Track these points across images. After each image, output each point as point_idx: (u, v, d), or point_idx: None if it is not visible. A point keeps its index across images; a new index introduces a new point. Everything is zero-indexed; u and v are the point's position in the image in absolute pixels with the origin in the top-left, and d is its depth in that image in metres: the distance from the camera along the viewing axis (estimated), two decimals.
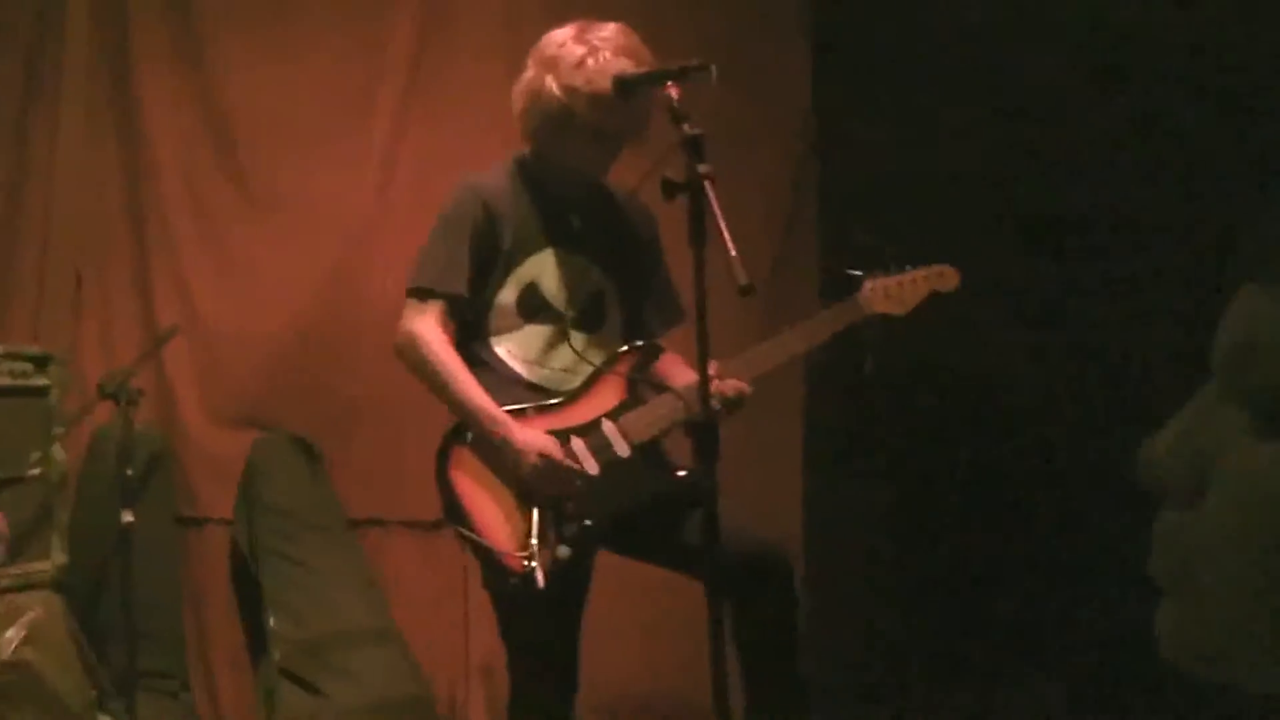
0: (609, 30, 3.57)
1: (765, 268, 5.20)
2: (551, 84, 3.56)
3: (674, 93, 3.09)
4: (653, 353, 3.70)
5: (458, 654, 4.84)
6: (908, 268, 3.76)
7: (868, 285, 3.70)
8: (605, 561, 3.68)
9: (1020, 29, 4.96)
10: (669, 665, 5.02)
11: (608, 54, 3.52)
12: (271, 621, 4.69)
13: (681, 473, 3.59)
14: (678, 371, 3.69)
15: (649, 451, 3.63)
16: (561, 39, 3.60)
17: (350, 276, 5.13)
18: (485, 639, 4.08)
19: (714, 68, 3.06)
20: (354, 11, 5.21)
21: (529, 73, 3.64)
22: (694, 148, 2.94)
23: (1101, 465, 4.82)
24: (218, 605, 4.96)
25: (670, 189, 2.96)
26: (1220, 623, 1.00)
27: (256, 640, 4.79)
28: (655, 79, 3.20)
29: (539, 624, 3.55)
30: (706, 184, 2.90)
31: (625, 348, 3.68)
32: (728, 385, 3.51)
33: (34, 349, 4.48)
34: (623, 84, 3.33)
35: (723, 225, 2.84)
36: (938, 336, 4.51)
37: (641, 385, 3.65)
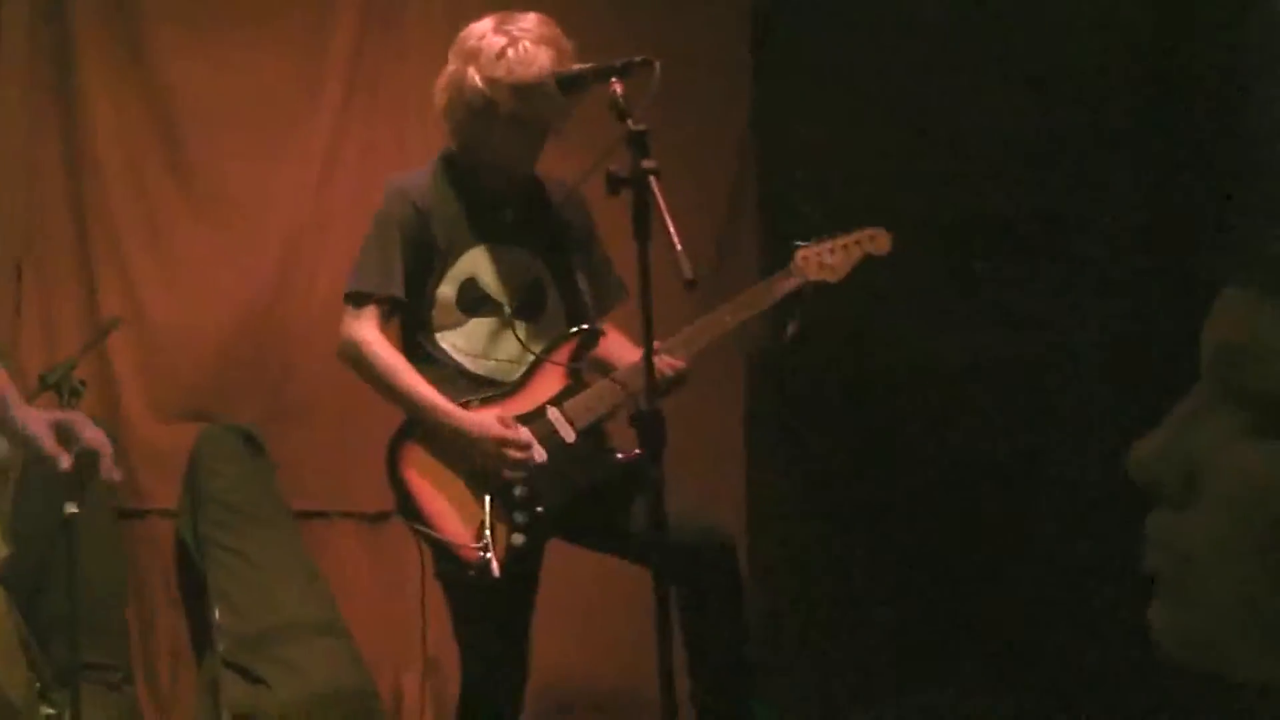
0: (529, 20, 3.61)
1: (708, 259, 5.24)
2: (474, 75, 3.59)
3: (618, 88, 3.13)
4: (593, 336, 3.74)
5: (404, 646, 4.87)
6: (838, 233, 3.79)
7: (800, 254, 3.75)
8: (552, 549, 3.73)
9: (960, 28, 5.01)
10: (616, 651, 5.05)
11: (528, 44, 3.57)
12: (216, 614, 4.69)
13: (621, 456, 3.64)
14: (622, 351, 3.73)
15: (594, 436, 3.67)
16: (481, 31, 3.64)
17: (294, 270, 5.14)
18: (433, 631, 4.09)
19: (658, 64, 3.10)
20: (298, 8, 5.21)
21: (450, 66, 3.68)
22: (638, 143, 2.98)
23: (1043, 456, 4.91)
24: (160, 597, 4.95)
25: (615, 183, 3.00)
26: (1212, 617, 1.04)
27: (200, 632, 4.79)
28: (600, 75, 3.23)
29: (492, 613, 3.59)
30: (651, 179, 2.94)
31: (565, 334, 3.72)
32: (666, 364, 3.55)
33: None
34: (567, 80, 3.35)
35: (668, 220, 2.89)
36: (875, 325, 4.58)
37: (583, 370, 3.69)
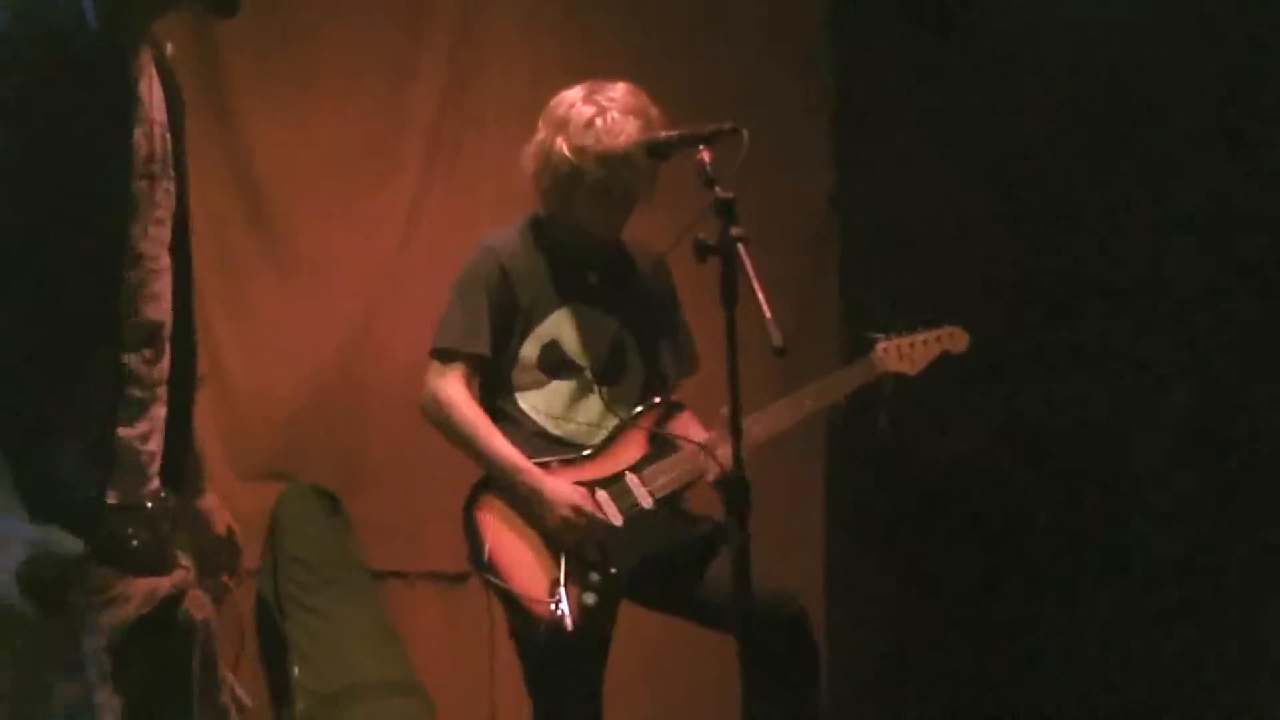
0: (618, 90, 3.66)
1: (788, 324, 5.25)
2: (562, 145, 3.64)
3: (705, 156, 3.15)
4: (674, 408, 3.77)
5: (479, 707, 4.87)
6: (920, 329, 3.87)
7: (881, 345, 3.85)
8: (626, 613, 3.73)
9: (1034, 89, 5.03)
10: (688, 715, 5.06)
11: (616, 114, 3.61)
12: (296, 672, 4.71)
13: (703, 526, 3.65)
14: (692, 429, 3.75)
15: (671, 504, 3.69)
16: (571, 100, 3.69)
17: (372, 332, 5.19)
18: (509, 691, 4.10)
19: (746, 132, 3.13)
20: (380, 72, 5.27)
21: (540, 134, 3.73)
22: (726, 210, 3.00)
23: (1115, 527, 4.89)
24: (241, 655, 4.97)
25: (703, 250, 3.02)
26: None
27: (279, 691, 4.81)
28: (688, 141, 3.25)
29: (565, 672, 3.60)
30: (739, 246, 2.95)
31: (649, 403, 3.74)
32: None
33: None
34: (655, 147, 3.38)
35: (756, 287, 2.90)
36: (956, 397, 4.59)
37: (664, 440, 3.71)
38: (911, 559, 5.25)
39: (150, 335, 2.30)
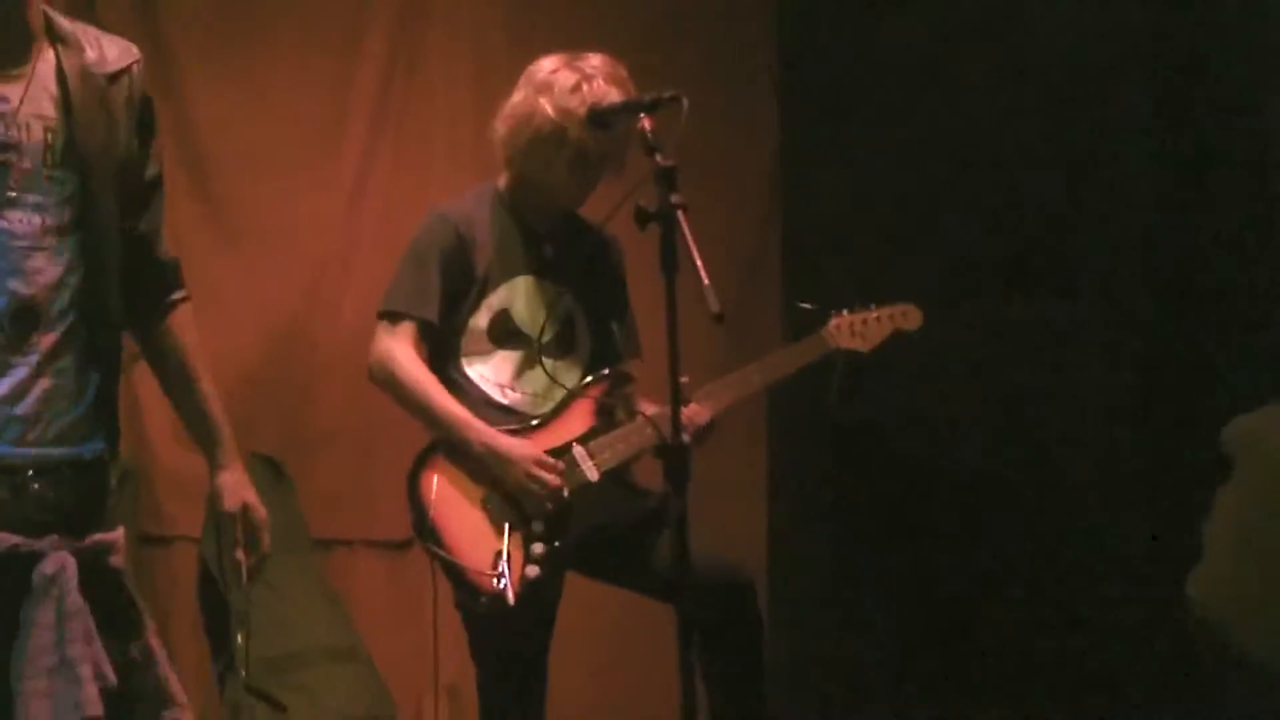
0: (598, 59, 3.66)
1: (731, 295, 5.29)
2: (546, 105, 3.62)
3: (647, 124, 3.16)
4: (623, 379, 3.78)
5: (425, 673, 4.88)
6: (872, 305, 3.88)
7: (833, 321, 3.85)
8: (572, 583, 3.75)
9: (981, 68, 5.06)
10: (634, 685, 5.09)
11: (600, 81, 3.61)
12: (240, 639, 4.71)
13: (648, 499, 3.67)
14: (640, 403, 3.76)
15: (617, 477, 3.70)
16: (553, 65, 3.68)
17: (318, 300, 5.20)
18: (453, 658, 4.11)
19: (686, 99, 3.14)
20: (324, 43, 5.26)
21: (518, 96, 3.71)
22: (667, 178, 3.00)
23: (1068, 499, 4.93)
24: (183, 623, 4.97)
25: (643, 217, 3.02)
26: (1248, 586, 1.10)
27: (222, 657, 4.81)
28: (630, 109, 3.28)
29: (509, 643, 3.60)
30: (679, 213, 2.95)
31: (598, 373, 3.76)
32: (695, 413, 3.59)
33: None
34: (599, 114, 3.40)
35: (695, 254, 2.90)
36: (901, 369, 4.62)
37: (613, 409, 3.72)
38: (856, 531, 5.28)
39: (19, 309, 2.53)
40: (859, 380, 3.94)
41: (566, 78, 3.63)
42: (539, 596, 3.57)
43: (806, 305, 3.88)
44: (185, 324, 2.96)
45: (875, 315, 3.89)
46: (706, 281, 2.87)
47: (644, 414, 3.67)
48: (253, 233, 5.17)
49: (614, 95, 3.59)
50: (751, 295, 5.44)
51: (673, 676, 2.93)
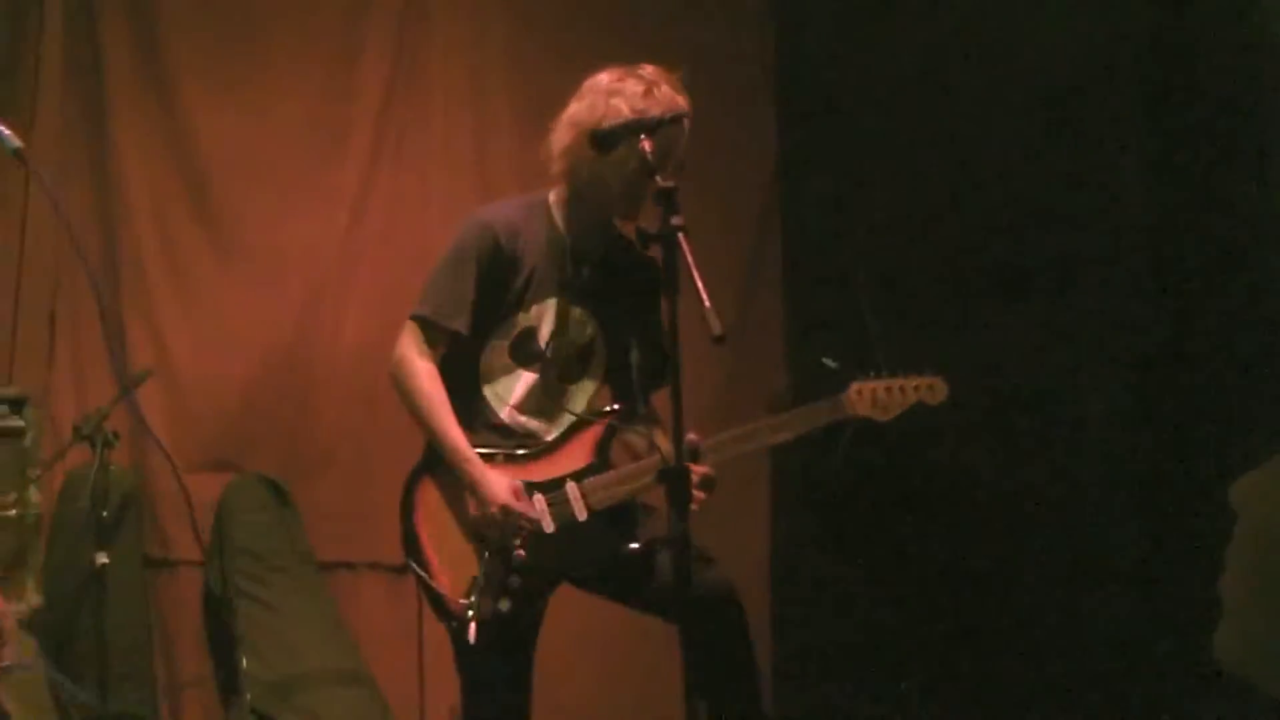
0: (652, 70, 3.59)
1: (732, 312, 5.29)
2: (621, 105, 3.53)
3: (647, 145, 3.14)
4: (628, 419, 3.73)
5: (428, 695, 4.89)
6: (898, 374, 3.74)
7: (854, 387, 3.70)
8: (566, 596, 3.73)
9: (978, 73, 5.06)
10: (637, 695, 5.09)
11: (665, 88, 3.56)
12: (244, 663, 4.70)
13: (634, 545, 3.62)
14: (657, 438, 3.70)
15: (608, 517, 3.66)
16: (616, 75, 3.61)
17: (320, 320, 5.19)
18: (451, 679, 4.11)
19: (686, 119, 3.11)
20: (324, 59, 5.26)
21: (581, 103, 3.62)
22: (667, 200, 2.97)
23: (1070, 501, 4.93)
24: (188, 646, 4.96)
25: (644, 239, 3.02)
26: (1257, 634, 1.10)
27: (227, 681, 4.81)
28: (631, 130, 3.24)
29: (488, 662, 3.59)
30: (680, 235, 2.93)
31: (606, 410, 3.71)
32: (698, 469, 3.52)
33: (10, 391, 4.49)
34: (602, 136, 3.32)
35: (696, 276, 2.88)
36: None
37: (608, 452, 3.68)
38: (860, 541, 5.27)
39: None
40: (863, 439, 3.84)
41: (635, 84, 3.55)
42: (516, 621, 3.56)
43: (830, 363, 3.77)
44: None
45: (899, 385, 3.72)
46: (708, 304, 2.86)
47: (641, 459, 3.63)
48: (251, 251, 5.16)
49: (681, 103, 3.55)
50: (752, 310, 5.44)
51: (675, 687, 2.93)
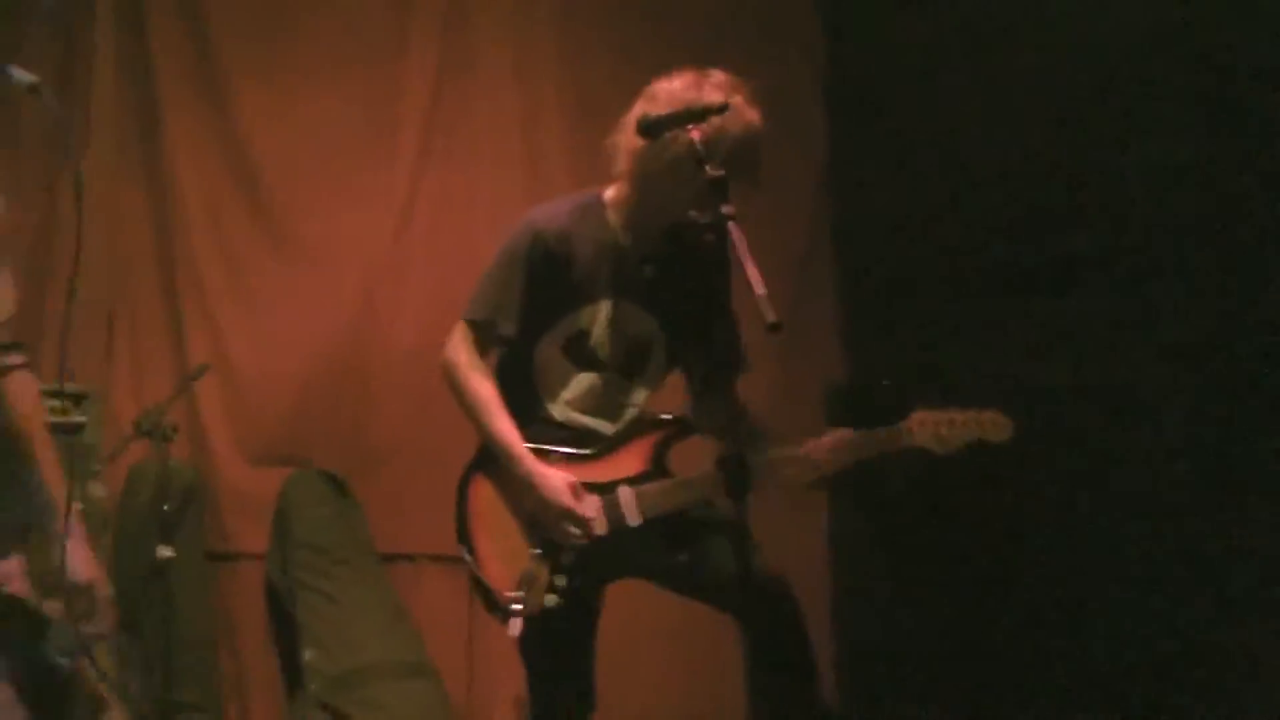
0: (723, 76, 3.49)
1: (785, 304, 5.27)
2: (671, 97, 3.44)
3: (695, 135, 3.12)
4: (686, 429, 3.69)
5: (492, 686, 4.92)
6: (966, 407, 3.57)
7: (916, 417, 3.55)
8: (636, 590, 3.72)
9: (1032, 78, 5.04)
10: (689, 687, 5.10)
11: (740, 98, 3.45)
12: (307, 655, 4.73)
13: (682, 558, 3.60)
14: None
15: (660, 522, 3.64)
16: (690, 79, 3.49)
17: (373, 314, 5.24)
18: (517, 669, 4.12)
19: (753, 130, 3.08)
20: (373, 59, 5.31)
21: (649, 103, 3.48)
22: (718, 189, 2.96)
23: (1117, 509, 4.90)
24: (251, 638, 5.01)
25: (695, 228, 3.00)
26: None
27: (290, 673, 4.85)
28: (679, 120, 3.21)
29: (546, 654, 3.59)
30: (730, 224, 2.91)
31: (664, 418, 3.68)
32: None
33: (73, 386, 4.52)
34: (648, 125, 3.27)
35: (748, 265, 2.85)
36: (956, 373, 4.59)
37: (665, 459, 3.64)
38: (915, 541, 5.25)
39: None
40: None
41: (711, 95, 3.42)
42: (572, 613, 3.54)
43: (889, 384, 3.69)
44: (18, 392, 2.90)
45: (962, 419, 3.54)
46: (761, 291, 2.81)
47: (702, 470, 3.59)
48: (304, 249, 5.23)
49: (753, 114, 3.53)
50: (806, 297, 5.44)
51: (735, 684, 2.92)
